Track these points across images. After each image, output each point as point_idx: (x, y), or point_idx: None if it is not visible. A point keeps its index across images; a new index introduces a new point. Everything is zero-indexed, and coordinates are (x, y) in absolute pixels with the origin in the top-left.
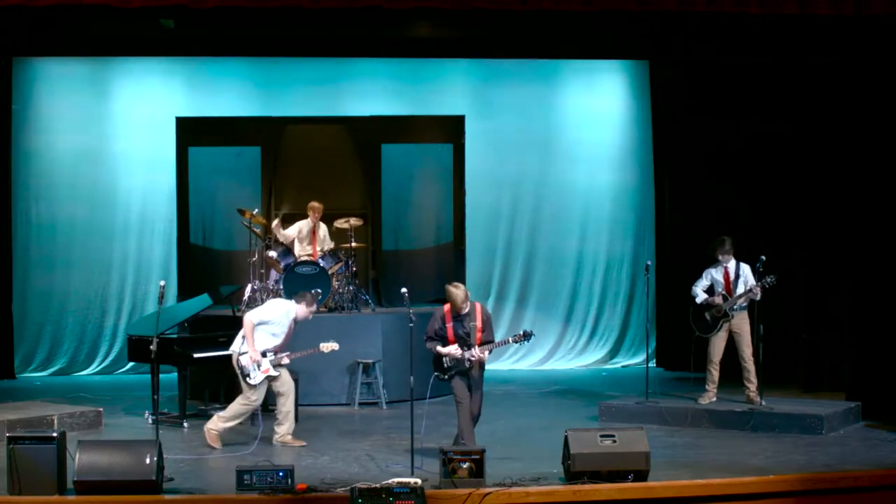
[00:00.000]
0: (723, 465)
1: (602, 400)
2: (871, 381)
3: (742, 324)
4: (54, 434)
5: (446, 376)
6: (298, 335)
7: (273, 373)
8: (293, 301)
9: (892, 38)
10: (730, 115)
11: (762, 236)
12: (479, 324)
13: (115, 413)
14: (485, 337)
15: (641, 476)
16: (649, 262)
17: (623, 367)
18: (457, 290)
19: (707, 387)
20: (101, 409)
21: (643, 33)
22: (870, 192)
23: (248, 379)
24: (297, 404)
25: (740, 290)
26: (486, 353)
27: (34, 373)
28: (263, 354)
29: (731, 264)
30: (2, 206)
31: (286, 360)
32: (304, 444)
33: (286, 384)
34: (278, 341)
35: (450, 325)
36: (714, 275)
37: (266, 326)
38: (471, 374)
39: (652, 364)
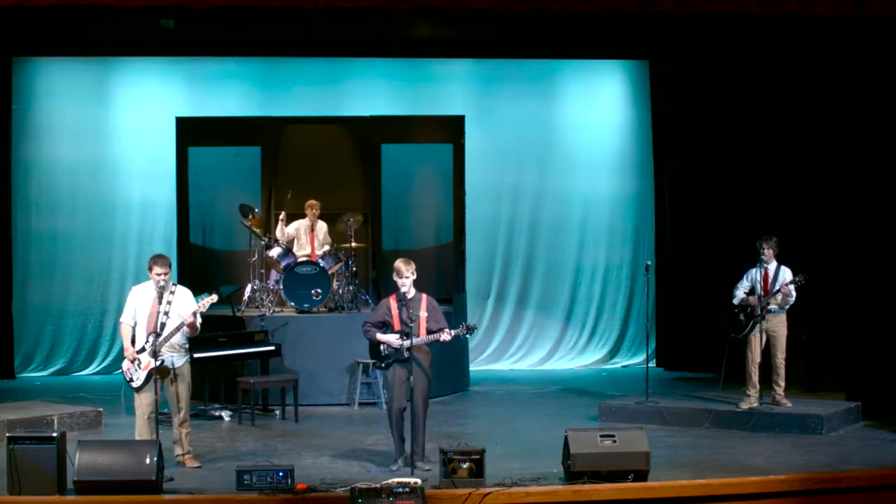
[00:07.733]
0: (723, 465)
1: (602, 400)
2: (871, 381)
3: (778, 326)
4: (54, 434)
5: (383, 364)
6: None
7: (154, 363)
8: None
9: (892, 38)
10: (730, 114)
11: (763, 236)
12: (423, 313)
13: (115, 413)
14: (431, 325)
15: (641, 476)
16: (649, 262)
17: (623, 367)
18: (402, 261)
19: (749, 391)
20: (101, 409)
21: (643, 33)
22: (870, 192)
23: (131, 384)
24: (297, 404)
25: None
26: (426, 341)
27: (34, 373)
28: (141, 350)
29: (773, 266)
30: (2, 205)
31: (164, 348)
32: (199, 465)
33: (182, 386)
34: (144, 323)
35: (395, 313)
36: (754, 275)
37: (138, 319)
38: (412, 363)
39: (652, 364)
